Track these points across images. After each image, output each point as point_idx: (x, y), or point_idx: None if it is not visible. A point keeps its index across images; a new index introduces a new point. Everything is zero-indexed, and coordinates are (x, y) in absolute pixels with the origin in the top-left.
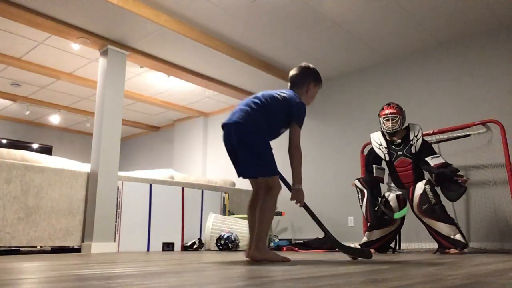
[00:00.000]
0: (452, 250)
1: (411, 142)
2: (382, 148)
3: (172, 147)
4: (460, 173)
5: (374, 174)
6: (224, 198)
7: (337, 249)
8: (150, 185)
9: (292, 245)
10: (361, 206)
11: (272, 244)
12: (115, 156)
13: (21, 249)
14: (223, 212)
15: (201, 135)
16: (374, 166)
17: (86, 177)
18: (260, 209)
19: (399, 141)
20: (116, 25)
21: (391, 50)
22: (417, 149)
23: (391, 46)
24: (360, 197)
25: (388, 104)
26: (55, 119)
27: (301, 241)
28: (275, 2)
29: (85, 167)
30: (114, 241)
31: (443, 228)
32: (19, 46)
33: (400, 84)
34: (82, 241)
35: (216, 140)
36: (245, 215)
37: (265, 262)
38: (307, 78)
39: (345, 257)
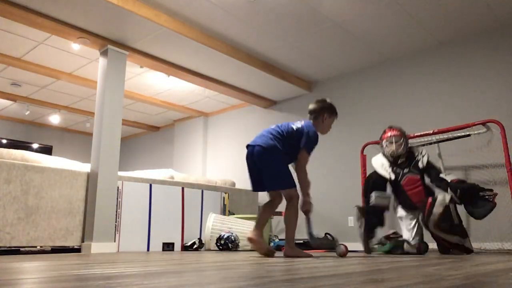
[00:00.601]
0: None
1: (417, 158)
2: (386, 167)
3: (172, 147)
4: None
5: (374, 203)
6: (224, 198)
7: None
8: (150, 185)
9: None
10: (360, 233)
11: (272, 244)
12: (115, 156)
13: (21, 249)
14: (223, 212)
15: (201, 135)
16: (373, 193)
17: (86, 177)
18: (286, 217)
19: (404, 159)
20: (116, 25)
21: (391, 50)
22: (424, 164)
23: (391, 46)
24: (358, 225)
25: (391, 127)
26: (55, 119)
27: (301, 241)
28: (275, 2)
29: (85, 167)
30: (114, 241)
31: (456, 239)
32: (19, 46)
33: (400, 84)
34: (82, 241)
35: (216, 140)
36: (245, 215)
37: (266, 261)
38: (322, 110)
39: (345, 257)
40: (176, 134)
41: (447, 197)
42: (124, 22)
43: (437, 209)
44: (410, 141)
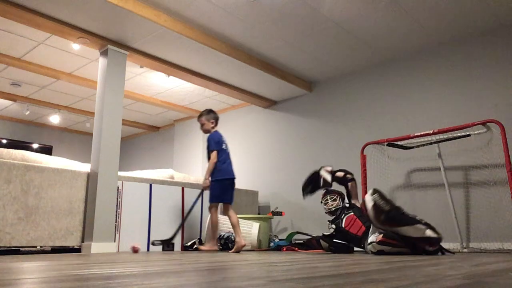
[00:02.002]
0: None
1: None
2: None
3: (172, 147)
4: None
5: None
6: None
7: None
8: (150, 185)
9: (292, 245)
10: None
11: (272, 244)
12: (115, 156)
13: (21, 249)
14: (223, 212)
15: (201, 135)
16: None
17: (86, 177)
18: (234, 219)
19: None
20: (116, 25)
21: (391, 50)
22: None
23: (391, 46)
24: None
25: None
26: (55, 119)
27: (301, 241)
28: (275, 2)
29: (85, 167)
30: (114, 241)
31: (409, 230)
32: (19, 46)
33: (400, 84)
34: (82, 241)
35: None
36: (245, 215)
37: (266, 261)
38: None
39: (345, 257)
40: (176, 134)
41: (369, 191)
42: (124, 22)
43: (368, 208)
44: (410, 141)
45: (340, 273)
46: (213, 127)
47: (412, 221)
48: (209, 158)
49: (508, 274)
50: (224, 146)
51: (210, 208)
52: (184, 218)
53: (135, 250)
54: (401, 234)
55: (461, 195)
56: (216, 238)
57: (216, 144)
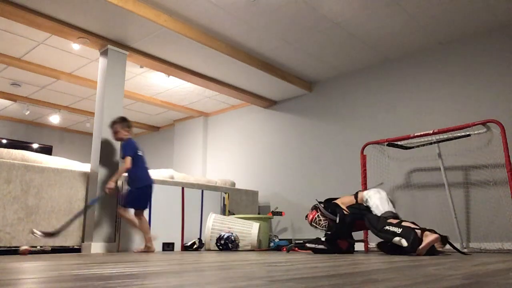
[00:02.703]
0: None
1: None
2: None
3: (172, 147)
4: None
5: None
6: (224, 198)
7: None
8: None
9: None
10: None
11: (272, 244)
12: (115, 156)
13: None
14: (223, 212)
15: (201, 135)
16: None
17: (86, 177)
18: (145, 226)
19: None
20: (116, 25)
21: (391, 50)
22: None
23: (391, 46)
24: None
25: (311, 210)
26: (55, 119)
27: (301, 241)
28: (275, 2)
29: (85, 167)
30: (114, 241)
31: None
32: (19, 46)
33: (400, 84)
34: (82, 241)
35: (216, 140)
36: (245, 215)
37: (266, 262)
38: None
39: (345, 257)
40: (176, 134)
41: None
42: (124, 22)
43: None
44: (410, 141)
45: (340, 273)
46: (126, 135)
47: (392, 235)
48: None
49: (508, 274)
50: (140, 153)
51: (136, 215)
52: (77, 214)
53: (23, 253)
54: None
55: (461, 195)
56: (148, 237)
57: (131, 150)
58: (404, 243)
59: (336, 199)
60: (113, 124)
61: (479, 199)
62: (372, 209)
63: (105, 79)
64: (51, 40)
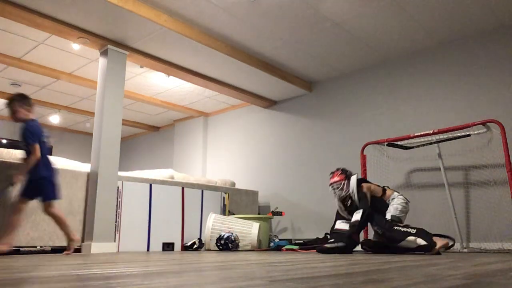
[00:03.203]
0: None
1: (353, 198)
2: (342, 210)
3: (172, 147)
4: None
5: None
6: (224, 198)
7: None
8: (150, 185)
9: (292, 245)
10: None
11: (272, 244)
12: (115, 156)
13: (21, 249)
14: (223, 212)
15: (201, 135)
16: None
17: (86, 177)
18: (62, 218)
19: (350, 201)
20: (116, 25)
21: (391, 50)
22: (357, 204)
23: (391, 46)
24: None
25: (333, 172)
26: (55, 119)
27: (301, 241)
28: (275, 2)
29: (85, 167)
30: (114, 241)
31: (404, 244)
32: (19, 46)
33: (400, 84)
34: (82, 241)
35: (216, 140)
36: (245, 215)
37: (266, 261)
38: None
39: (345, 257)
40: (176, 134)
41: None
42: (124, 22)
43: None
44: (410, 141)
45: (340, 273)
46: (27, 115)
47: (404, 235)
48: (27, 152)
49: (508, 274)
50: (44, 139)
51: (20, 204)
52: None
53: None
54: (401, 247)
55: (461, 195)
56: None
57: (36, 136)
58: (422, 241)
59: (368, 182)
60: (10, 102)
61: (479, 199)
62: (389, 208)
63: (105, 79)
64: (51, 40)
